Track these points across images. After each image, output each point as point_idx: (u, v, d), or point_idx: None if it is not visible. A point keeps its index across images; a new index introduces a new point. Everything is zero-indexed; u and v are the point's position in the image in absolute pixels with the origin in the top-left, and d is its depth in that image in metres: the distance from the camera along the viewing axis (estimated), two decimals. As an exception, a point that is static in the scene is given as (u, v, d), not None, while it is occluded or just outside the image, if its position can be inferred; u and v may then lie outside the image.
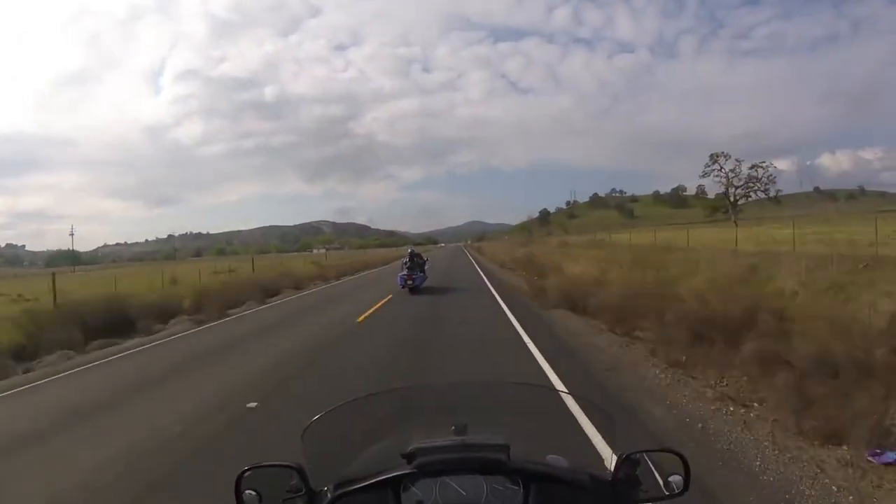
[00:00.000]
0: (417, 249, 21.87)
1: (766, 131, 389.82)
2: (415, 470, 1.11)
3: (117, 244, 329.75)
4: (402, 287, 17.21)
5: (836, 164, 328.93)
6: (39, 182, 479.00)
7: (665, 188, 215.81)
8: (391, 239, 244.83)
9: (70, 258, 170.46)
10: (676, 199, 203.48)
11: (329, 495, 1.16)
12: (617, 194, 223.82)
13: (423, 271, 18.03)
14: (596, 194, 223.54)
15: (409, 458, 1.12)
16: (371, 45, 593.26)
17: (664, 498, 1.19)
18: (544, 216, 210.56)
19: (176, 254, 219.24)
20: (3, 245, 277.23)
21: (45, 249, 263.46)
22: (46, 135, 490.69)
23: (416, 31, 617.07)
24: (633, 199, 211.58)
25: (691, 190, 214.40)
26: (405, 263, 17.98)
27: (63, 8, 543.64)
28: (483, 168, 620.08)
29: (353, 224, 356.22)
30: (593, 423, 2.70)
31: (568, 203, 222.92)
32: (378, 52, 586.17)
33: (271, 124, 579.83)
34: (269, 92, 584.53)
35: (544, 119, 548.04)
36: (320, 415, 1.43)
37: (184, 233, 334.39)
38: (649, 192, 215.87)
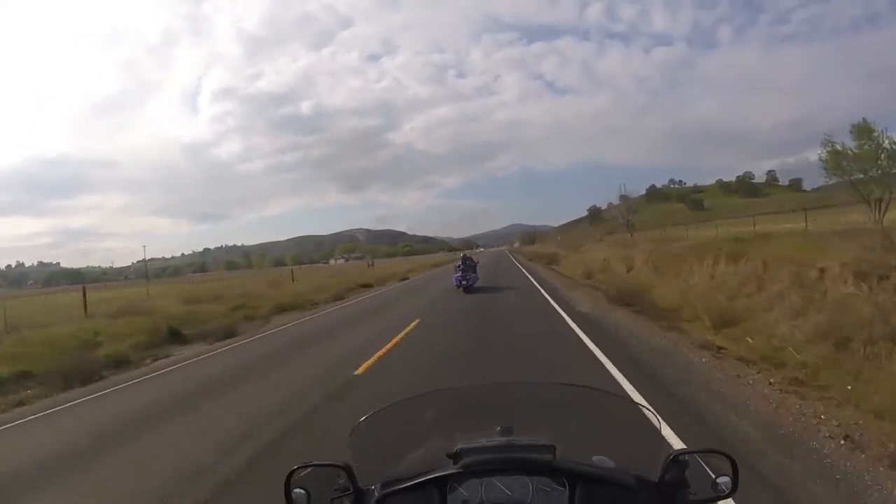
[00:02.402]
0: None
1: (809, 118, 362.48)
2: (461, 470, 1.12)
3: (152, 259, 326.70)
4: (458, 286, 18.21)
5: None
6: (84, 202, 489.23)
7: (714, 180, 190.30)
8: (424, 245, 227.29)
9: (72, 276, 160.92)
10: (748, 187, 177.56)
11: (376, 494, 1.16)
12: (676, 185, 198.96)
13: (475, 272, 19.04)
14: (654, 185, 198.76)
15: (455, 458, 1.13)
16: (404, 53, 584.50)
17: (712, 499, 1.18)
18: (595, 213, 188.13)
19: (178, 270, 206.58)
20: (35, 263, 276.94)
21: (84, 266, 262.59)
22: (90, 157, 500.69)
23: (448, 37, 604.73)
24: (698, 189, 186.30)
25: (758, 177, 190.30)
26: (458, 266, 19.16)
27: (101, 35, 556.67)
28: (522, 171, 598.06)
29: (389, 231, 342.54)
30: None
31: (622, 197, 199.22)
32: (412, 60, 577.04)
33: (309, 138, 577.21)
34: (305, 106, 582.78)
35: (583, 118, 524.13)
36: (368, 415, 1.45)
37: (219, 246, 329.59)
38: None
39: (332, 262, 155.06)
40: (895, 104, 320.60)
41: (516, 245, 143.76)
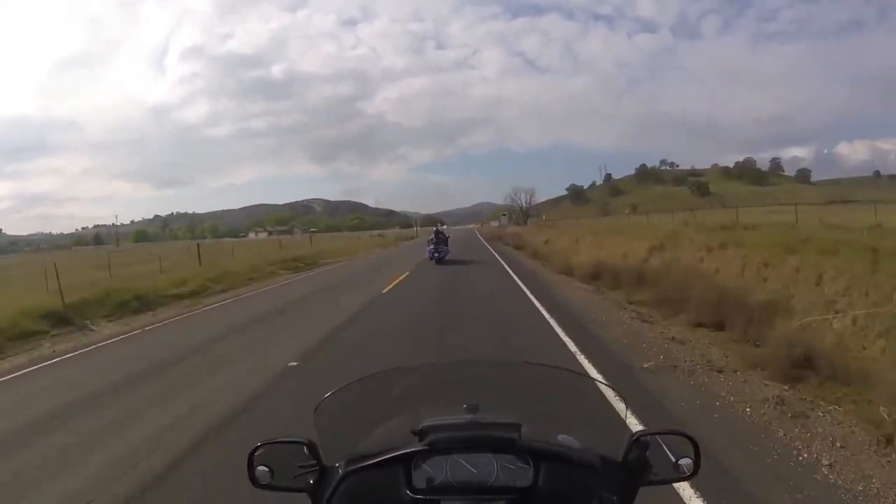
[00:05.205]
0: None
1: (786, 118, 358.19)
2: (426, 447, 1.12)
3: (96, 227, 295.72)
4: (431, 259, 19.81)
5: (854, 154, 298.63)
6: (43, 165, 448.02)
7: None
8: (380, 220, 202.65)
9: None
10: (752, 174, 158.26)
11: (340, 471, 1.15)
12: (668, 167, 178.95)
13: (446, 245, 20.36)
14: (644, 165, 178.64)
15: (420, 435, 1.13)
16: (382, 20, 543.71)
17: (674, 480, 1.21)
18: (576, 193, 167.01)
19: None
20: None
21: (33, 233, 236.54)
22: (52, 118, 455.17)
23: (429, 5, 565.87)
24: (696, 172, 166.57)
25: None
26: (431, 239, 20.67)
27: None
28: (496, 149, 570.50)
29: (348, 202, 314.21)
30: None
31: (608, 177, 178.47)
32: (389, 27, 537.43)
33: (279, 104, 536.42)
34: (276, 70, 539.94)
35: (560, 100, 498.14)
36: (332, 392, 1.42)
37: (169, 213, 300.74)
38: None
39: (251, 235, 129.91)
40: (874, 108, 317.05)
41: (497, 224, 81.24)
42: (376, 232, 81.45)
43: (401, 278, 15.38)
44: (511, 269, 17.31)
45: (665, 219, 28.57)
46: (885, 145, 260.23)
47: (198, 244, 23.09)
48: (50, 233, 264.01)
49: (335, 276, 19.36)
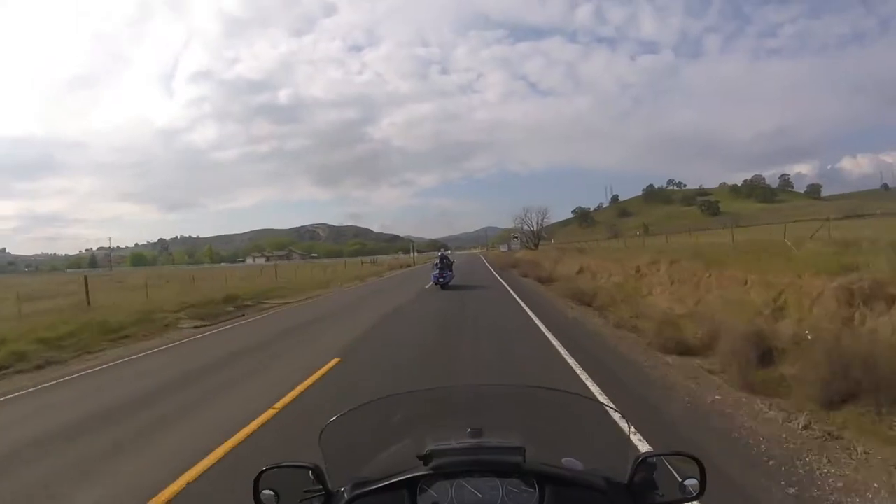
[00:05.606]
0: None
1: (788, 134, 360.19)
2: (431, 471, 1.13)
3: (100, 249, 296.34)
4: (435, 283, 18.67)
5: (857, 168, 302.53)
6: (51, 185, 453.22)
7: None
8: (385, 245, 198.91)
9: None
10: (761, 192, 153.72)
11: (346, 496, 1.16)
12: (676, 187, 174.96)
13: (451, 270, 19.55)
14: (651, 186, 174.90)
15: (425, 459, 1.14)
16: (388, 45, 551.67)
17: (680, 501, 1.19)
18: (583, 215, 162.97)
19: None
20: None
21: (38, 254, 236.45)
22: (58, 138, 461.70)
23: (433, 31, 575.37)
24: (704, 192, 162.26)
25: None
26: (436, 265, 19.78)
27: (74, 8, 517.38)
28: (500, 173, 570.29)
29: (353, 228, 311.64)
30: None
31: (614, 199, 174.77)
32: (395, 52, 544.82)
33: (285, 128, 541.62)
34: (283, 95, 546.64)
35: (564, 122, 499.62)
36: (337, 416, 1.43)
37: (174, 236, 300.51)
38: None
39: (249, 261, 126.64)
40: (875, 121, 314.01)
41: (504, 248, 78.29)
42: (369, 259, 76.39)
43: (329, 367, 7.02)
44: (559, 341, 7.94)
45: (767, 231, 19.78)
46: (888, 158, 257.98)
47: (85, 276, 18.69)
48: (55, 254, 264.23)
49: (245, 340, 10.23)
